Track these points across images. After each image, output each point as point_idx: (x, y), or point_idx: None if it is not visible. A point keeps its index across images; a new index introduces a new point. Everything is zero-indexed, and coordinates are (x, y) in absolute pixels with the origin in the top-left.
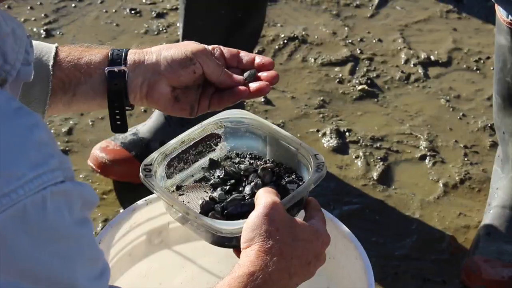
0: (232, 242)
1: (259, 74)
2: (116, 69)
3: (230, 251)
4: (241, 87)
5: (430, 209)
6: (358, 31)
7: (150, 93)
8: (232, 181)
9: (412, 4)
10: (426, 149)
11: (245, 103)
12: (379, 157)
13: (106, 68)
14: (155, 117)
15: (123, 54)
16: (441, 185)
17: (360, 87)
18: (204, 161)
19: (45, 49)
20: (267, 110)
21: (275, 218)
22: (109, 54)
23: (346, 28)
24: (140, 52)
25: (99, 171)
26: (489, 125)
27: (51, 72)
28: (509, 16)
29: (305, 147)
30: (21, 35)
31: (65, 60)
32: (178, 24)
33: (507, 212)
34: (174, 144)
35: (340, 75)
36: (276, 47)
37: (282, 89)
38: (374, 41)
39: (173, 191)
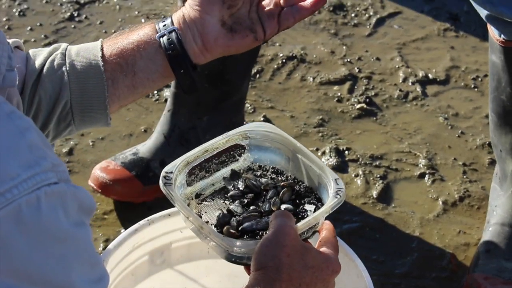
0: (243, 260)
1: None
2: (166, 32)
3: (232, 271)
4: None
5: (430, 227)
6: (356, 50)
7: (205, 40)
8: (251, 195)
9: (409, 22)
10: (425, 167)
11: (244, 122)
12: (378, 176)
13: (156, 36)
14: (154, 137)
15: (170, 19)
16: (441, 203)
17: (358, 106)
18: (226, 171)
19: (90, 45)
20: None
21: (287, 243)
22: (155, 25)
23: (344, 47)
24: (179, 11)
25: (100, 191)
26: (488, 142)
27: (102, 63)
28: (501, 35)
29: (327, 170)
30: (3, 41)
31: (115, 46)
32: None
33: (506, 229)
34: (197, 152)
35: (339, 93)
36: (275, 66)
37: (281, 108)
38: (372, 59)
39: (192, 199)
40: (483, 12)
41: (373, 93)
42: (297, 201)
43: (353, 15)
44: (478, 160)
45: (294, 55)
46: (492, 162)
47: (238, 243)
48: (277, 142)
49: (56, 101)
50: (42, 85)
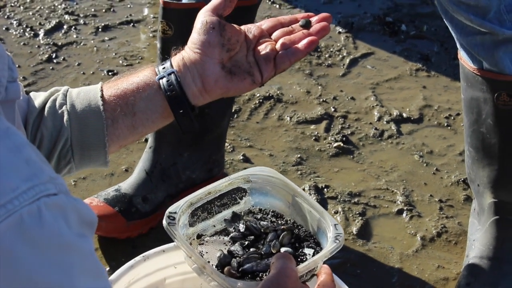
0: None
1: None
2: (165, 74)
3: None
4: (308, 43)
5: (409, 262)
6: (331, 90)
7: (205, 82)
8: (252, 237)
9: (382, 63)
10: (403, 204)
11: (225, 161)
12: (357, 212)
13: (156, 78)
14: (136, 173)
15: (169, 61)
16: (419, 238)
17: (335, 144)
18: (227, 213)
19: (91, 87)
20: (246, 167)
21: (288, 285)
22: (155, 67)
23: (319, 87)
24: (179, 54)
25: None
26: (462, 179)
27: (101, 103)
28: (483, 63)
29: (326, 215)
30: (2, 53)
31: (115, 88)
32: None
33: (485, 262)
34: (200, 194)
35: (316, 132)
36: (252, 106)
37: (260, 147)
38: (347, 99)
39: (194, 239)
40: (467, 40)
41: (349, 132)
42: (296, 244)
43: (327, 55)
44: (454, 196)
45: (270, 95)
46: (468, 198)
47: (239, 283)
48: (277, 186)
49: (57, 139)
50: (44, 122)
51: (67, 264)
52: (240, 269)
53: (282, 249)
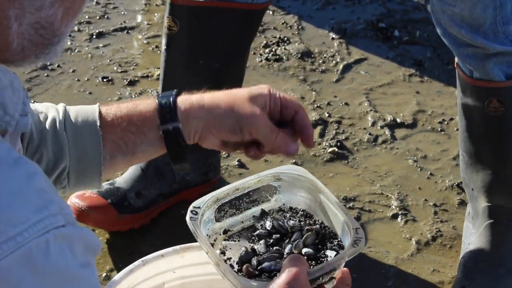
0: None
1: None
2: (171, 127)
3: None
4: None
5: (404, 266)
6: (325, 96)
7: (200, 141)
8: (277, 235)
9: (375, 68)
10: (398, 208)
11: (221, 166)
12: (352, 217)
13: (160, 127)
14: (132, 169)
15: (172, 104)
16: (414, 242)
17: (330, 150)
18: (256, 210)
19: (88, 110)
20: (241, 173)
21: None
22: (158, 108)
23: (313, 93)
24: (190, 104)
25: (75, 217)
26: (456, 183)
27: (100, 133)
28: (474, 73)
29: (350, 218)
30: (18, 87)
31: (115, 122)
32: (157, 85)
33: (480, 266)
34: (227, 190)
35: None
36: None
37: None
38: (341, 104)
39: (220, 234)
40: (458, 50)
41: (343, 137)
42: (320, 246)
43: (320, 61)
44: (448, 200)
45: None
46: (462, 202)
47: (249, 282)
48: (306, 185)
49: (56, 165)
50: (44, 145)
51: None
52: (258, 267)
53: (304, 250)
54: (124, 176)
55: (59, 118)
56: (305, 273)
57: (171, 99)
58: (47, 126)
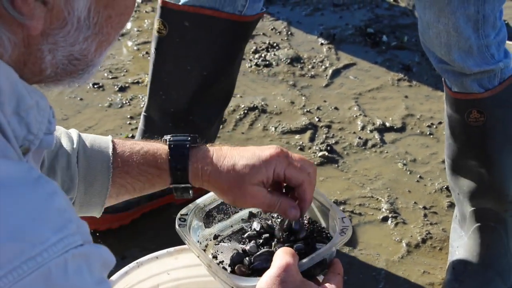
0: None
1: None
2: (181, 186)
3: None
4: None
5: (395, 268)
6: (315, 100)
7: (206, 185)
8: (267, 235)
9: (364, 73)
10: (388, 211)
11: None
12: (338, 208)
13: (172, 185)
14: None
15: (184, 172)
16: (404, 245)
17: (320, 154)
18: (244, 213)
19: (103, 144)
20: None
21: (287, 279)
22: (170, 171)
23: (303, 98)
24: (202, 169)
25: None
26: (445, 186)
27: (111, 170)
28: (453, 87)
29: (335, 209)
30: (44, 107)
31: (126, 168)
32: (144, 91)
33: (469, 268)
34: (213, 195)
35: (301, 142)
36: (237, 117)
37: None
38: (330, 109)
39: (210, 240)
40: (438, 66)
41: (333, 141)
42: (309, 240)
43: (310, 67)
44: (438, 203)
45: (255, 106)
46: (451, 205)
47: (240, 280)
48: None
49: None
50: (54, 172)
51: None
52: (250, 267)
53: (294, 246)
54: None
55: (73, 148)
56: (295, 265)
57: (183, 164)
58: (59, 154)
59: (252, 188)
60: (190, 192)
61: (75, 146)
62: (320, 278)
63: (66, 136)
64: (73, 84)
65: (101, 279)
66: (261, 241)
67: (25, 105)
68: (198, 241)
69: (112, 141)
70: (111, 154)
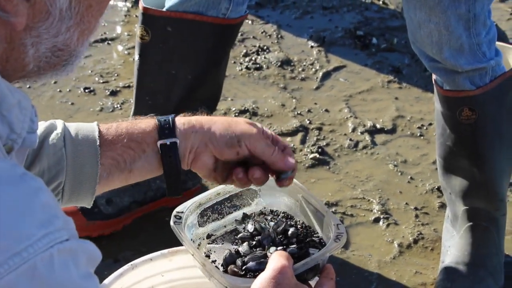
0: None
1: None
2: (168, 142)
3: None
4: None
5: (387, 268)
6: (306, 103)
7: (195, 160)
8: (260, 237)
9: (354, 75)
10: (379, 212)
11: None
12: (333, 214)
13: (158, 142)
14: None
15: (171, 122)
16: (396, 245)
17: (311, 156)
18: (238, 214)
19: (88, 128)
20: None
21: (281, 282)
22: (157, 125)
23: (293, 100)
24: (189, 121)
25: None
26: (436, 187)
27: (99, 152)
28: (444, 85)
29: (330, 215)
30: (26, 105)
31: (115, 140)
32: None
33: (461, 267)
34: (209, 194)
35: (292, 144)
36: None
37: None
38: (321, 111)
39: (203, 239)
40: (429, 64)
41: (324, 143)
42: (303, 244)
43: (300, 69)
44: (429, 204)
45: (246, 108)
46: (442, 206)
47: (235, 280)
48: (287, 188)
49: (52, 179)
50: (40, 159)
51: None
52: (243, 268)
53: (288, 249)
54: None
55: (58, 133)
56: (291, 268)
57: (170, 118)
58: (47, 140)
59: (252, 125)
60: (178, 164)
61: (60, 131)
62: (312, 283)
63: (50, 124)
64: (56, 77)
65: (88, 274)
66: (254, 242)
67: (7, 104)
68: (191, 240)
69: (97, 124)
70: (97, 133)
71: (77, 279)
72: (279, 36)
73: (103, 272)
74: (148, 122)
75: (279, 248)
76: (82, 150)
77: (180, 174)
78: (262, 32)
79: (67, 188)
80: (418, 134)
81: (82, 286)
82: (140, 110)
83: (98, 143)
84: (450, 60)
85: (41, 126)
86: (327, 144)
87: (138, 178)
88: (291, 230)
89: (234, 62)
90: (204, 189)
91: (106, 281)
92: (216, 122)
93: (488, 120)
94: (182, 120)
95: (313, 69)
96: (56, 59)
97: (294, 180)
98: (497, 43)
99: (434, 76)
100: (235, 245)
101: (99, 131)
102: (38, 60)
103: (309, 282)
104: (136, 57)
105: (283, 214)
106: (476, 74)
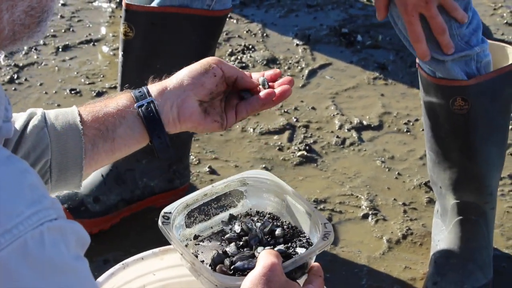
0: None
1: (276, 83)
2: (145, 102)
3: None
4: (264, 94)
5: (377, 264)
6: (292, 101)
7: (181, 112)
8: (247, 237)
9: (340, 73)
10: (368, 208)
11: (191, 174)
12: (320, 213)
13: (135, 105)
14: (92, 175)
15: (145, 89)
16: (385, 241)
17: (299, 153)
18: (224, 215)
19: (67, 110)
20: (213, 179)
21: (272, 279)
22: (132, 95)
23: None
24: (160, 83)
25: None
26: (424, 182)
27: (81, 127)
28: (435, 73)
29: (317, 214)
30: (0, 94)
31: (94, 113)
32: None
33: (450, 262)
34: (196, 195)
35: (279, 142)
36: None
37: (225, 158)
38: (308, 109)
39: (190, 240)
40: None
41: (312, 141)
42: (290, 244)
43: (286, 67)
44: (417, 199)
45: None
46: (430, 201)
47: (226, 278)
48: (273, 188)
49: (37, 160)
50: (24, 143)
51: (67, 286)
52: (232, 267)
53: (275, 249)
54: (84, 182)
55: (39, 116)
56: (280, 265)
57: (143, 87)
58: (25, 127)
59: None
60: (159, 117)
61: (40, 114)
62: (300, 282)
63: (31, 111)
64: (31, 41)
65: (78, 255)
66: (241, 243)
67: None
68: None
69: (76, 106)
70: (77, 112)
71: (68, 258)
72: (264, 34)
73: (93, 272)
74: (122, 94)
75: (266, 248)
76: (64, 127)
77: (163, 129)
78: (247, 31)
79: (54, 166)
80: (405, 130)
81: (74, 266)
82: None
83: (79, 119)
84: (432, 51)
85: (22, 115)
86: (315, 142)
87: (123, 148)
88: (278, 230)
89: None
90: (192, 188)
91: (98, 280)
92: (183, 70)
93: (481, 111)
94: (154, 85)
95: (299, 67)
96: (30, 19)
97: (281, 182)
98: (491, 42)
99: (421, 67)
100: (222, 245)
101: (78, 110)
102: (13, 24)
103: (297, 281)
104: (120, 54)
105: (269, 215)
106: (462, 60)
